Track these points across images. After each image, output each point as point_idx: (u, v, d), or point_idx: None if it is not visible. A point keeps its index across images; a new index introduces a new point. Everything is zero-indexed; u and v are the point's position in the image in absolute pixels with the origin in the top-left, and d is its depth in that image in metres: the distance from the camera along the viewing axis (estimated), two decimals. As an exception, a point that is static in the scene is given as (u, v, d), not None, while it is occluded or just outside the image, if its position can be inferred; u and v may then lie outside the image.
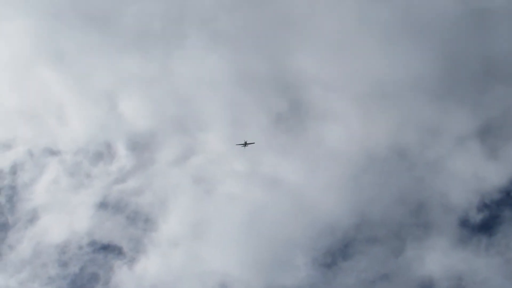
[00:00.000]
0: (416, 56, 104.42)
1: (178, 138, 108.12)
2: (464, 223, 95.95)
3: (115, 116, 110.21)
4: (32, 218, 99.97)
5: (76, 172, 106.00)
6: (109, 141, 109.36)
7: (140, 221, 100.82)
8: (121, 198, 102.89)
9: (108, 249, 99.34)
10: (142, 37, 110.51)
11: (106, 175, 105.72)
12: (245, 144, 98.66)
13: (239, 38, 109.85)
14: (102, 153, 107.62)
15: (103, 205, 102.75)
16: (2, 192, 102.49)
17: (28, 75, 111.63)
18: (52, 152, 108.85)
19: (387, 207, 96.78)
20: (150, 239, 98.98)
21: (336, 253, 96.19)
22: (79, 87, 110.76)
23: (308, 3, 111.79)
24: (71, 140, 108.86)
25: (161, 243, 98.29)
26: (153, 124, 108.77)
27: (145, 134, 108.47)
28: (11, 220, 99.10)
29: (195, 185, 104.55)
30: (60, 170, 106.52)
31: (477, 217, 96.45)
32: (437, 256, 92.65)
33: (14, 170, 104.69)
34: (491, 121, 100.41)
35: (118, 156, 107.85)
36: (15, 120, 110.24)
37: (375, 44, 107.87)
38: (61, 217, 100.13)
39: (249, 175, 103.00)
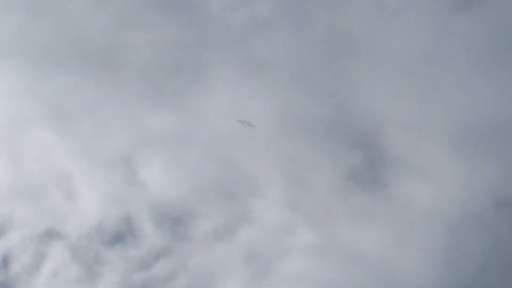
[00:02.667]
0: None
1: (220, 206, 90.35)
2: None
3: (135, 184, 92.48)
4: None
5: (86, 258, 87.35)
6: (129, 216, 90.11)
7: (173, 318, 79.99)
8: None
9: None
10: (156, 77, 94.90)
11: (125, 260, 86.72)
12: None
13: (282, 67, 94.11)
14: (120, 232, 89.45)
15: (122, 300, 79.44)
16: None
17: (23, 138, 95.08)
18: (56, 235, 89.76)
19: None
20: None
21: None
22: (87, 150, 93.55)
23: (373, 21, 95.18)
24: (80, 218, 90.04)
25: None
26: (185, 190, 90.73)
27: (176, 204, 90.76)
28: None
29: (246, 264, 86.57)
30: (66, 257, 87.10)
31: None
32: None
33: (6, 261, 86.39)
34: None
35: (141, 234, 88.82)
36: (7, 197, 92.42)
37: (464, 71, 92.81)
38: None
39: (317, 248, 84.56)
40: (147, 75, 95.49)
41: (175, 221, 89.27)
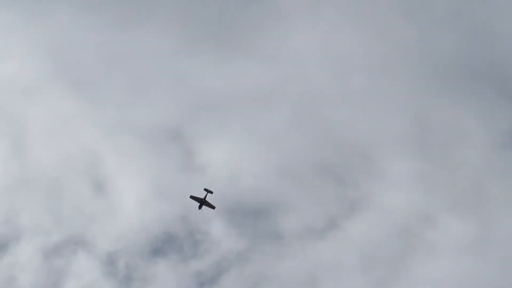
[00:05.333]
0: None
1: (321, 192, 75.20)
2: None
3: (192, 168, 77.12)
4: None
5: (123, 275, 72.88)
6: (185, 215, 74.63)
7: None
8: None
9: None
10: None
11: (181, 274, 72.32)
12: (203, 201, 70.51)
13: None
14: (173, 237, 74.87)
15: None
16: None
17: (30, 110, 79.70)
18: (81, 244, 74.79)
19: None
20: None
21: None
22: (120, 125, 79.26)
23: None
24: (114, 220, 75.50)
25: None
26: (268, 173, 76.07)
27: (255, 193, 75.07)
28: None
29: (362, 268, 71.45)
30: (96, 273, 72.91)
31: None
32: None
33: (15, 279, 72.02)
34: None
35: (204, 238, 73.38)
36: (13, 196, 76.61)
37: None
38: None
39: (466, 244, 70.93)
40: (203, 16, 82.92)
41: (254, 217, 75.53)
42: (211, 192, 68.55)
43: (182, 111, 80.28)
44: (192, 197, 70.12)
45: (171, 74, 79.98)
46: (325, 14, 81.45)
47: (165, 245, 75.29)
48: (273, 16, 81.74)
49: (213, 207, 70.83)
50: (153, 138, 78.80)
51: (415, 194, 74.59)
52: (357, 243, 73.86)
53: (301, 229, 73.00)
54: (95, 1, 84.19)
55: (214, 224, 74.16)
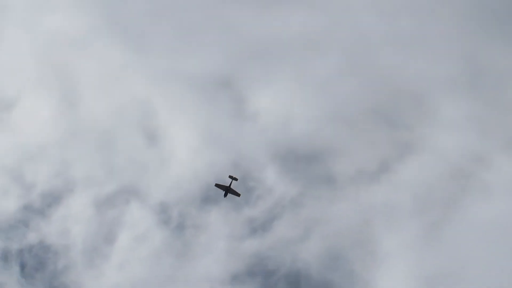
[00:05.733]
0: None
1: (373, 135, 73.95)
2: None
3: (243, 116, 75.90)
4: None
5: (176, 224, 72.24)
6: (237, 162, 73.00)
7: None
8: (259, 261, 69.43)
9: None
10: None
11: (234, 222, 71.26)
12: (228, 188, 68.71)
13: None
14: (224, 185, 70.58)
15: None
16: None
17: (80, 60, 78.90)
18: (134, 195, 73.90)
19: None
20: None
21: None
22: (170, 73, 77.51)
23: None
24: (167, 170, 74.71)
25: None
26: (320, 119, 74.34)
27: (308, 139, 73.80)
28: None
29: (414, 213, 69.73)
30: (149, 223, 72.10)
31: None
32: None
33: (68, 232, 71.27)
34: None
35: (257, 185, 71.59)
36: (64, 146, 75.78)
37: None
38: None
39: None
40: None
41: (307, 162, 73.32)
42: (236, 179, 66.82)
43: (232, 59, 77.88)
44: (217, 185, 68.86)
45: (219, 22, 77.69)
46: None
47: (217, 193, 73.03)
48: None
49: (238, 194, 69.49)
50: (203, 87, 76.89)
51: (468, 135, 71.58)
52: (410, 186, 70.81)
53: (354, 173, 70.88)
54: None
55: (266, 171, 72.19)
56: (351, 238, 67.77)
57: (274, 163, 71.65)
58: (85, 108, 77.31)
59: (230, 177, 66.59)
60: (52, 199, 72.57)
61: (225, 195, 68.24)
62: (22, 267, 70.15)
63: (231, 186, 67.19)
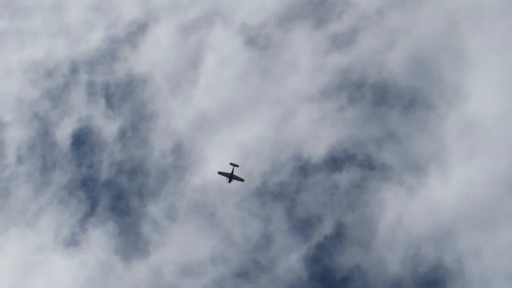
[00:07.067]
0: None
1: None
2: None
3: None
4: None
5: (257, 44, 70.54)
6: None
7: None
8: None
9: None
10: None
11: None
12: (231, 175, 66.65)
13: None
14: None
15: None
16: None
17: None
18: (219, 17, 72.61)
19: None
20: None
21: None
22: None
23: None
24: None
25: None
26: None
27: None
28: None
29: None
30: (237, 43, 70.65)
31: None
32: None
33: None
34: None
35: None
36: None
37: None
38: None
39: None
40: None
41: None
42: (237, 166, 64.88)
43: None
44: (220, 173, 66.54)
45: None
46: None
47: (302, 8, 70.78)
48: None
49: (242, 179, 67.62)
50: None
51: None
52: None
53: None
54: None
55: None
56: (437, 43, 63.71)
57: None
58: None
59: (231, 164, 65.04)
60: (137, 28, 71.13)
61: (229, 181, 66.45)
62: (108, 98, 68.97)
63: (233, 173, 65.63)
